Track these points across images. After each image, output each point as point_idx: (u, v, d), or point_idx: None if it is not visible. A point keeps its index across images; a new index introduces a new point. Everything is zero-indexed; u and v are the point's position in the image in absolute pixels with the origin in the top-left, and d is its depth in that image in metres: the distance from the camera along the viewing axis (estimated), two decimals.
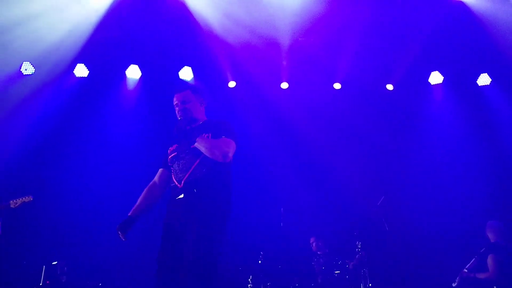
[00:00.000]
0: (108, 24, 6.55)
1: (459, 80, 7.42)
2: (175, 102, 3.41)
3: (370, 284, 5.54)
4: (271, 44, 6.97)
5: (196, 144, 3.12)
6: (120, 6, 6.41)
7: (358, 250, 5.74)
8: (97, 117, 7.22)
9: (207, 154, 3.10)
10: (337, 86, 7.47)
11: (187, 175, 3.16)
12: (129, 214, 3.26)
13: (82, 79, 7.20)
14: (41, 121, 6.95)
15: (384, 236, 6.04)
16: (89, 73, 7.21)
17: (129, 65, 7.26)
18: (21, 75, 7.00)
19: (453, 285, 5.35)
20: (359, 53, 7.01)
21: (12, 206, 4.11)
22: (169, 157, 3.35)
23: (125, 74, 7.30)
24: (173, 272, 2.98)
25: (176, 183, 3.19)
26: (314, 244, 6.48)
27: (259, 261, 6.12)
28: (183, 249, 2.99)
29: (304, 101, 7.53)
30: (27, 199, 4.12)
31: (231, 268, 6.39)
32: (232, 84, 7.48)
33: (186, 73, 7.38)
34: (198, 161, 3.17)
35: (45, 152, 6.95)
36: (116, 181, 6.83)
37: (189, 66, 7.38)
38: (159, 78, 7.39)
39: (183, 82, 7.29)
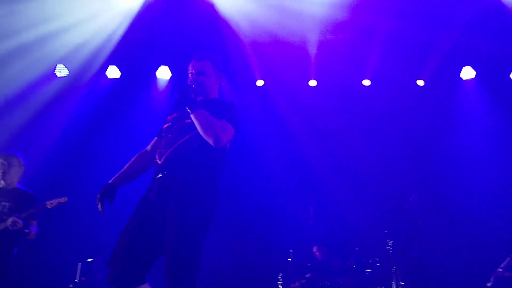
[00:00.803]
0: (138, 25, 6.69)
1: (492, 75, 7.23)
2: (191, 70, 3.04)
3: (402, 283, 5.48)
4: (299, 42, 6.97)
5: (192, 117, 2.74)
6: (149, 8, 6.53)
7: (389, 248, 5.68)
8: (128, 118, 7.37)
9: (200, 132, 2.73)
10: (366, 82, 7.39)
11: (168, 151, 2.80)
12: (109, 182, 2.90)
13: (114, 80, 7.38)
14: (75, 122, 7.14)
15: (415, 234, 5.97)
16: (121, 75, 7.38)
17: (159, 66, 7.38)
18: (55, 77, 7.23)
19: (488, 285, 5.24)
20: (388, 48, 6.92)
21: (48, 206, 4.23)
22: (165, 125, 2.99)
23: (155, 75, 7.43)
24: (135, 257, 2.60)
25: (157, 158, 2.85)
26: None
27: (289, 259, 6.13)
28: (155, 234, 2.65)
29: (332, 99, 7.48)
30: (62, 200, 4.24)
31: (262, 265, 6.44)
32: (260, 82, 7.51)
33: None
34: (186, 137, 2.81)
35: (78, 152, 7.15)
36: (147, 180, 6.94)
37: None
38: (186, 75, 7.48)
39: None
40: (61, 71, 7.23)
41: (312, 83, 7.47)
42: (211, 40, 7.01)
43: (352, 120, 7.43)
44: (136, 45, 7.10)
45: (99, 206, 2.78)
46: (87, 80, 7.23)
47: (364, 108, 7.42)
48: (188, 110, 2.74)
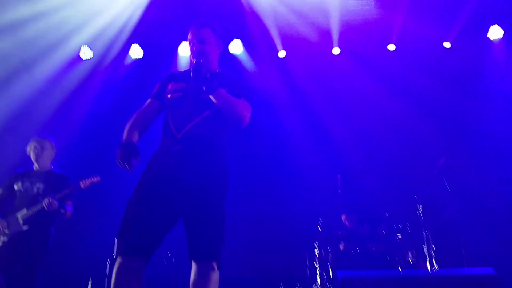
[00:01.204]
0: (158, 2, 6.69)
1: None
2: (191, 39, 2.92)
3: (433, 246, 5.47)
4: (320, 9, 6.85)
5: (212, 98, 2.69)
6: None
7: (419, 213, 5.66)
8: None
9: (225, 111, 2.72)
10: (391, 47, 7.23)
11: (188, 126, 2.72)
12: (125, 141, 2.71)
13: (137, 60, 7.43)
14: (102, 103, 7.25)
15: (445, 197, 5.91)
16: (143, 54, 7.44)
17: (181, 42, 7.39)
18: (80, 60, 7.35)
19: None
20: (413, 10, 6.73)
21: (82, 186, 4.35)
22: (170, 95, 2.87)
23: (177, 52, 7.44)
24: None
25: (174, 131, 2.74)
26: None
27: (319, 228, 6.19)
28: (170, 206, 2.61)
29: (357, 66, 7.36)
30: (95, 179, 4.37)
31: (292, 236, 6.52)
32: (282, 54, 7.44)
33: (236, 46, 7.42)
34: (206, 114, 2.75)
35: (106, 133, 7.28)
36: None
37: (238, 38, 7.41)
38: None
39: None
40: (86, 53, 7.33)
41: (336, 51, 7.35)
42: (231, 13, 6.96)
43: (378, 86, 7.31)
44: (157, 23, 7.11)
45: (126, 166, 2.62)
46: (110, 61, 7.31)
47: (390, 75, 7.28)
48: (205, 91, 2.68)
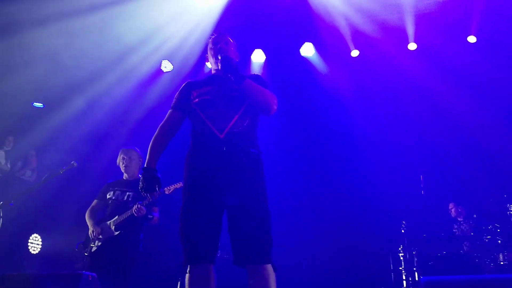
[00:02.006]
0: (230, 13, 6.88)
1: None
2: (216, 41, 3.04)
3: None
4: (393, 5, 6.68)
5: (244, 85, 2.76)
6: None
7: (509, 213, 5.34)
8: None
9: (255, 100, 2.80)
10: (471, 39, 6.86)
11: (230, 124, 2.76)
12: (148, 167, 2.81)
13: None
14: None
15: None
16: None
17: (254, 49, 7.54)
18: (162, 73, 7.76)
19: None
20: None
21: (166, 192, 4.56)
22: (198, 99, 2.89)
23: (250, 59, 7.61)
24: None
25: (216, 132, 2.76)
26: (453, 210, 6.19)
27: (402, 231, 6.03)
28: (220, 208, 2.68)
29: (435, 61, 7.07)
30: (178, 185, 4.56)
31: (379, 236, 6.40)
32: (355, 53, 7.34)
33: (307, 49, 7.43)
34: (242, 109, 2.82)
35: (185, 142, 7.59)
36: None
37: (310, 42, 7.42)
38: (282, 59, 7.56)
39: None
40: (167, 66, 7.72)
41: (412, 46, 7.11)
42: (300, 17, 6.99)
43: (458, 81, 6.97)
44: (231, 32, 7.30)
45: (149, 197, 2.82)
46: (188, 72, 7.64)
47: (471, 67, 6.90)
48: (234, 81, 2.76)
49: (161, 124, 2.97)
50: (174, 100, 3.02)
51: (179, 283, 5.85)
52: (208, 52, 3.09)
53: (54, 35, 6.71)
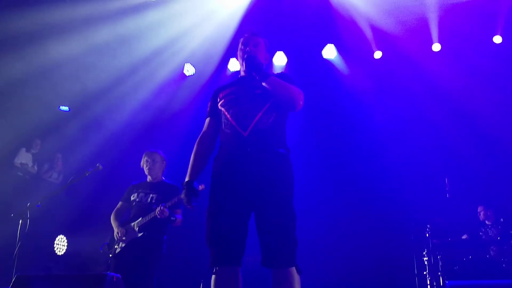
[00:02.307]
0: (252, 15, 6.91)
1: None
2: (245, 43, 3.01)
3: None
4: (416, 5, 6.60)
5: (265, 84, 2.75)
6: None
7: None
8: None
9: (280, 97, 2.77)
10: (497, 39, 6.72)
11: (254, 122, 2.73)
12: (188, 180, 2.83)
13: (235, 73, 7.74)
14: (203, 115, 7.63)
15: None
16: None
17: (275, 52, 7.55)
18: (184, 76, 7.84)
19: None
20: None
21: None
22: (223, 100, 2.90)
23: (272, 62, 7.61)
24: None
25: (240, 130, 2.73)
26: (482, 213, 6.06)
27: (427, 234, 5.95)
28: (246, 209, 2.66)
29: (460, 62, 6.95)
30: (200, 187, 4.57)
31: (403, 240, 6.32)
32: (378, 54, 7.27)
33: (329, 51, 7.40)
34: (267, 106, 2.78)
35: None
36: None
37: (332, 43, 7.39)
38: (304, 61, 7.55)
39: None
40: (189, 70, 7.80)
41: (436, 47, 7.00)
42: (322, 19, 6.97)
43: (484, 82, 6.83)
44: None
45: (188, 205, 2.81)
46: (209, 75, 7.69)
47: (496, 69, 6.75)
48: (258, 79, 2.76)
49: (200, 134, 2.99)
50: (207, 107, 3.05)
51: (201, 284, 5.88)
52: (238, 52, 3.07)
53: (79, 42, 6.86)
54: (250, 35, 3.05)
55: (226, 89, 2.98)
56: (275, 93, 2.77)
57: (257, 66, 2.77)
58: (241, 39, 3.08)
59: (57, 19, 6.47)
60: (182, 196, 2.83)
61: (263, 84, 2.78)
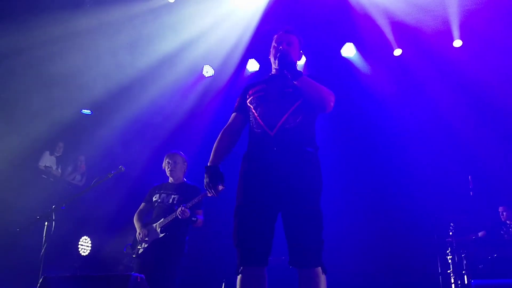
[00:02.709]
0: (270, 15, 6.91)
1: None
2: (279, 40, 3.00)
3: None
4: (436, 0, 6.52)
5: (300, 80, 2.72)
6: None
7: None
8: None
9: (311, 97, 2.73)
10: None
11: (281, 121, 2.70)
12: (211, 165, 2.81)
13: (255, 73, 7.75)
14: (224, 116, 7.67)
15: None
16: (259, 67, 7.73)
17: None
18: (203, 77, 7.89)
19: None
20: None
21: (209, 194, 4.48)
22: (252, 97, 2.89)
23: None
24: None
25: (267, 130, 2.72)
26: (505, 214, 5.94)
27: (450, 233, 5.88)
28: (274, 207, 2.65)
29: (482, 58, 6.82)
30: (220, 187, 4.62)
31: (427, 239, 6.26)
32: (397, 52, 7.19)
33: (348, 50, 7.36)
34: (295, 105, 2.76)
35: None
36: None
37: (351, 42, 7.34)
38: (323, 60, 7.51)
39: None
40: (208, 71, 7.85)
41: (457, 43, 6.89)
42: (342, 17, 6.93)
43: (507, 77, 6.70)
44: (270, 34, 7.32)
45: (213, 192, 2.78)
46: (228, 77, 7.72)
47: None
48: (290, 77, 2.74)
49: (224, 127, 2.98)
50: (236, 102, 3.04)
51: (223, 284, 5.91)
52: (271, 49, 3.04)
53: (101, 45, 6.96)
54: (284, 32, 3.03)
55: (256, 86, 2.96)
56: (306, 93, 2.75)
57: (289, 64, 2.74)
58: (275, 37, 3.06)
59: (78, 24, 6.58)
60: (206, 181, 2.78)
61: (295, 82, 2.76)
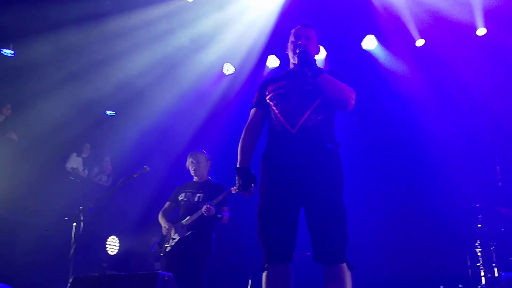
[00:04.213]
0: (290, 9, 6.87)
1: None
2: (297, 35, 2.95)
3: None
4: None
5: (321, 79, 2.69)
6: None
7: None
8: None
9: (332, 96, 2.71)
10: None
11: (303, 119, 2.69)
12: (242, 166, 2.80)
13: (274, 69, 7.72)
14: (245, 113, 7.69)
15: None
16: (280, 63, 7.70)
17: None
18: (224, 76, 7.91)
19: None
20: None
21: (233, 191, 4.62)
22: (272, 94, 2.86)
23: None
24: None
25: (288, 127, 2.70)
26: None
27: (479, 225, 5.76)
28: (297, 205, 2.66)
29: (508, 47, 6.64)
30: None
31: (455, 232, 6.16)
32: (420, 42, 7.07)
33: (369, 42, 7.27)
34: (316, 103, 2.73)
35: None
36: None
37: (372, 34, 7.25)
38: (343, 54, 7.44)
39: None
40: (228, 69, 7.86)
41: (481, 32, 6.73)
42: (363, 9, 6.84)
43: None
44: (288, 29, 7.29)
45: (247, 194, 2.77)
46: (248, 74, 7.72)
47: None
48: (311, 76, 2.71)
49: (246, 125, 2.96)
50: (254, 98, 3.01)
51: (250, 281, 5.93)
52: (288, 44, 3.01)
53: (121, 45, 7.05)
54: (302, 26, 2.99)
55: (275, 82, 2.93)
56: (327, 91, 2.73)
57: (310, 62, 2.72)
58: (293, 31, 3.02)
59: (100, 26, 6.69)
60: (238, 183, 2.77)
61: (315, 81, 2.74)
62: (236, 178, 2.79)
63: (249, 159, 2.85)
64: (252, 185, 2.76)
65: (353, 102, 2.76)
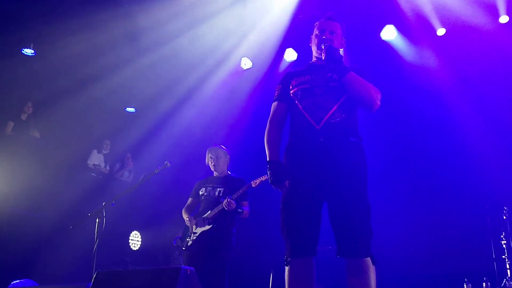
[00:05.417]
0: (305, 2, 6.81)
1: None
2: (322, 29, 2.90)
3: None
4: None
5: (348, 78, 2.65)
6: None
7: None
8: None
9: (357, 95, 2.68)
10: None
11: (328, 116, 2.67)
12: (273, 159, 2.74)
13: (293, 63, 7.67)
14: (263, 108, 7.67)
15: None
16: (297, 56, 7.65)
17: None
18: (242, 70, 7.89)
19: None
20: None
21: (253, 185, 4.65)
22: (296, 88, 2.81)
23: None
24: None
25: (313, 123, 2.68)
26: None
27: (504, 217, 5.66)
28: (320, 201, 2.65)
29: None
30: (264, 178, 4.62)
31: (479, 224, 6.06)
32: (441, 31, 6.93)
33: (389, 32, 7.16)
34: (341, 100, 2.70)
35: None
36: None
37: (391, 24, 7.13)
38: (362, 44, 7.34)
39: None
40: (246, 63, 7.83)
41: (504, 19, 6.56)
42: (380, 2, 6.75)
43: None
44: (306, 21, 7.23)
45: (279, 187, 2.68)
46: (266, 68, 7.68)
47: None
48: (337, 74, 2.67)
49: (269, 118, 2.91)
50: (275, 92, 2.95)
51: (271, 275, 5.94)
52: (312, 37, 2.96)
53: (141, 43, 7.09)
54: (326, 20, 2.94)
55: (299, 76, 2.87)
56: (354, 91, 2.69)
57: (337, 60, 2.68)
58: (316, 24, 2.97)
59: (122, 23, 6.73)
60: (271, 178, 2.69)
61: (341, 79, 2.70)
62: (268, 172, 2.73)
63: (278, 152, 2.81)
64: (286, 179, 2.68)
65: (378, 102, 2.74)
